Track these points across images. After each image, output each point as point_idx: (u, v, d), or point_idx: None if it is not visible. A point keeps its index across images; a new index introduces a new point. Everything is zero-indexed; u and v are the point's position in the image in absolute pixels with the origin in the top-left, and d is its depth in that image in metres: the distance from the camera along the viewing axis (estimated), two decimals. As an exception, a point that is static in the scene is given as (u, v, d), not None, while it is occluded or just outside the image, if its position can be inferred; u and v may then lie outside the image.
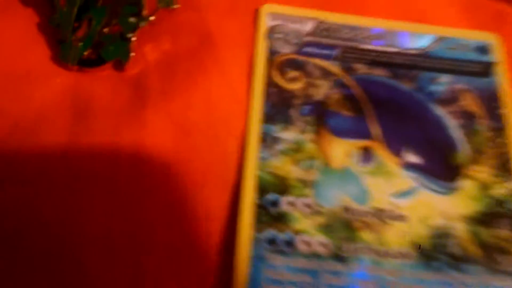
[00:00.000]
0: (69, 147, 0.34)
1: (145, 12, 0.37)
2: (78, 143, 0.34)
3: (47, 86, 0.36)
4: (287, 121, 0.35)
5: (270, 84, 0.36)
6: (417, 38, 0.39)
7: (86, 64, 0.37)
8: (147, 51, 0.37)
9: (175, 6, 0.37)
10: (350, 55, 0.38)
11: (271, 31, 0.38)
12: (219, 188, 0.33)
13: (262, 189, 0.32)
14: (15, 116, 0.35)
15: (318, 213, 0.31)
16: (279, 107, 0.35)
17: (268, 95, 0.36)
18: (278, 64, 0.37)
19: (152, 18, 0.37)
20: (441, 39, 0.39)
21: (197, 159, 0.33)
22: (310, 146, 0.34)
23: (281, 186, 0.32)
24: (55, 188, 0.32)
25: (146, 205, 0.32)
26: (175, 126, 0.35)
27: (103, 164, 0.33)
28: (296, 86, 0.36)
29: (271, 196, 0.32)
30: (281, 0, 0.40)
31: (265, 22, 0.38)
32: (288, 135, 0.34)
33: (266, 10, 0.39)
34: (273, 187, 0.32)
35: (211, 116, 0.35)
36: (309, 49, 0.38)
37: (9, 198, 0.32)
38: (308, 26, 0.38)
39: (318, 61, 0.37)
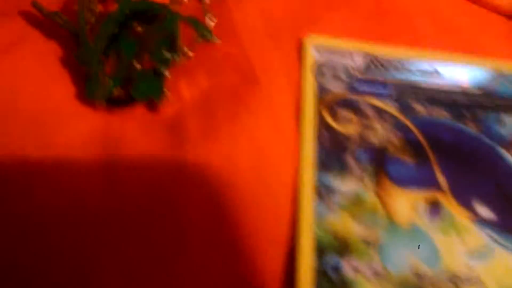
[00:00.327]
0: (98, 195, 0.30)
1: (181, 46, 0.33)
2: (108, 192, 0.30)
3: (72, 127, 0.32)
4: (343, 169, 0.31)
5: (321, 126, 0.32)
6: (476, 73, 0.36)
7: (115, 103, 0.33)
8: (182, 89, 0.34)
9: (215, 41, 0.34)
10: (406, 93, 0.34)
11: (318, 66, 0.34)
12: (271, 247, 0.29)
13: (321, 250, 0.28)
14: (37, 160, 0.31)
15: (386, 279, 0.28)
16: (333, 153, 0.31)
17: (320, 139, 0.32)
18: (329, 103, 0.33)
19: (190, 53, 0.33)
20: (501, 75, 0.36)
21: (244, 213, 0.30)
22: (370, 199, 0.30)
23: (342, 246, 0.28)
24: (80, 239, 0.29)
25: (182, 266, 0.28)
26: (218, 175, 0.31)
27: (135, 218, 0.30)
28: (350, 129, 0.32)
29: (331, 259, 0.28)
30: (324, 29, 0.37)
31: (311, 56, 0.35)
32: (345, 185, 0.30)
33: (311, 42, 0.35)
34: (332, 247, 0.28)
35: (259, 162, 0.31)
36: (361, 87, 0.34)
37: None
38: (358, 61, 0.35)
39: (372, 100, 0.34)
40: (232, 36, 0.35)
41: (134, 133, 0.32)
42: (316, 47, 0.35)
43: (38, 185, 0.30)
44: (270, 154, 0.31)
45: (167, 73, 0.33)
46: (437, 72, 0.35)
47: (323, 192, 0.30)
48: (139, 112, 0.33)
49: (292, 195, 0.30)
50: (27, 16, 0.36)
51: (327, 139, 0.32)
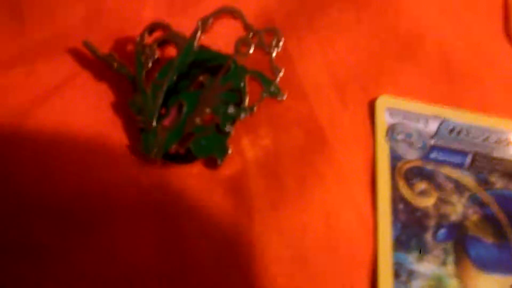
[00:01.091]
0: (149, 259, 0.27)
1: (246, 102, 0.31)
2: (161, 257, 0.28)
3: (124, 181, 0.30)
4: (422, 249, 0.28)
5: (397, 198, 0.30)
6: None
7: (172, 159, 0.30)
8: (245, 147, 0.31)
9: (282, 97, 0.31)
10: (483, 164, 0.32)
11: (392, 130, 0.32)
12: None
13: None
14: (87, 216, 0.28)
15: None
16: (411, 230, 0.29)
17: (396, 213, 0.29)
18: (404, 172, 0.31)
19: (255, 108, 0.31)
20: None
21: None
22: (452, 284, 0.28)
23: None
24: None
25: None
26: (287, 247, 0.28)
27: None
28: (427, 203, 0.30)
29: None
30: (393, 88, 0.34)
31: (384, 119, 0.32)
32: (425, 267, 0.28)
33: (384, 103, 0.33)
34: None
35: (331, 236, 0.29)
36: (436, 155, 0.32)
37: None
38: (432, 126, 0.33)
39: (448, 171, 0.31)
40: (296, 90, 0.33)
41: (192, 192, 0.30)
42: (388, 109, 0.33)
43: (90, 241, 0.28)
44: (343, 228, 0.29)
45: (231, 130, 0.30)
46: (510, 141, 0.33)
47: (402, 274, 0.28)
48: (197, 169, 0.30)
49: (368, 276, 0.28)
50: (77, 55, 0.33)
51: (404, 214, 0.29)
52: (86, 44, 0.32)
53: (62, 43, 0.33)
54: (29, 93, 0.31)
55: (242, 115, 0.31)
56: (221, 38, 0.34)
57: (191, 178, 0.30)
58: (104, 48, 0.33)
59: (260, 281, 0.27)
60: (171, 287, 0.27)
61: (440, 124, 0.33)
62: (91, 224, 0.28)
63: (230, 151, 0.30)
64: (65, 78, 0.32)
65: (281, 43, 0.31)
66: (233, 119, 0.31)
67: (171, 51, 0.33)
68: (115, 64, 0.32)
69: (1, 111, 0.30)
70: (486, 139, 0.33)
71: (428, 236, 0.29)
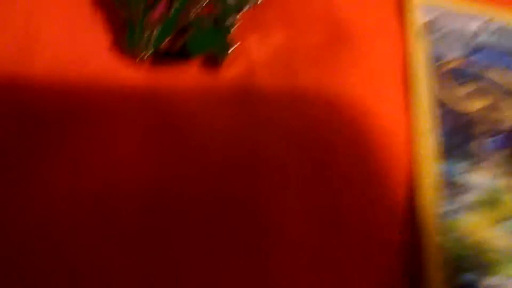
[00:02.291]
0: (139, 170, 0.22)
1: (251, -10, 0.26)
2: (147, 174, 0.22)
3: (106, 81, 0.24)
4: (471, 158, 0.23)
5: (438, 103, 0.25)
6: None
7: (163, 58, 0.25)
8: (251, 44, 0.26)
9: (296, -17, 0.26)
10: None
11: (428, 28, 0.27)
12: (384, 259, 0.21)
13: (452, 265, 0.20)
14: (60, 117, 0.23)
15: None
16: (456, 138, 0.24)
17: (438, 119, 0.24)
18: (445, 74, 0.25)
19: (260, -2, 0.26)
20: None
21: (347, 218, 0.21)
22: (509, 199, 0.22)
23: (479, 261, 0.21)
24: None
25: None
26: (301, 160, 0.23)
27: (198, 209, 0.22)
28: (474, 107, 0.25)
29: (467, 278, 0.20)
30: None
31: (418, 15, 0.27)
32: (477, 179, 0.23)
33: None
34: (467, 262, 0.21)
35: (360, 145, 0.23)
36: (482, 55, 0.26)
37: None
38: (473, 25, 0.27)
39: (498, 73, 0.26)
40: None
41: (187, 98, 0.24)
42: (422, 6, 0.27)
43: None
44: (373, 135, 0.23)
45: (232, 22, 0.25)
46: None
47: (450, 188, 0.22)
48: (193, 71, 0.25)
49: (408, 188, 0.22)
50: None
51: (448, 120, 0.24)
52: None
53: None
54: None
55: (246, 6, 0.25)
56: None
57: (186, 79, 0.25)
58: None
59: (271, 196, 0.22)
60: (158, 204, 0.22)
61: (482, 24, 0.27)
62: (65, 127, 0.23)
63: (232, 48, 0.25)
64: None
65: None
66: (235, 11, 0.25)
67: None
68: (94, -51, 0.26)
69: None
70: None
71: (477, 145, 0.24)
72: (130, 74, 0.24)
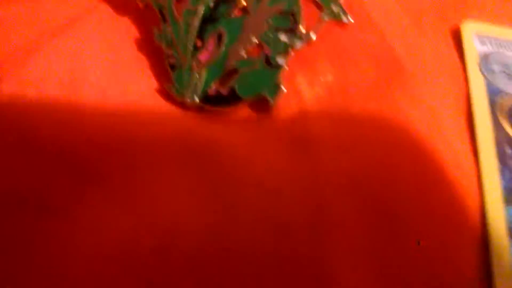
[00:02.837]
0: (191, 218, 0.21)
1: (302, 27, 0.25)
2: (206, 215, 0.21)
3: (153, 131, 0.23)
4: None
5: (503, 141, 0.23)
6: None
7: (212, 101, 0.24)
8: (303, 84, 0.25)
9: (346, 19, 0.25)
10: None
11: (486, 61, 0.26)
12: None
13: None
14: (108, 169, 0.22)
15: None
16: (525, 179, 0.22)
17: (504, 160, 0.23)
18: (508, 109, 0.24)
19: (313, 35, 0.25)
20: None
21: (416, 276, 0.20)
22: None
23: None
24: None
25: None
26: (366, 204, 0.22)
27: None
28: (542, 146, 0.23)
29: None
30: (478, 14, 0.28)
31: (474, 47, 0.26)
32: (550, 225, 0.21)
33: (471, 29, 0.26)
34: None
35: (423, 191, 0.22)
36: (545, 89, 0.25)
37: None
38: (535, 55, 0.26)
39: None
40: (361, 17, 0.27)
41: (237, 141, 0.23)
42: (478, 36, 0.26)
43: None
44: (437, 177, 0.22)
45: (283, 62, 0.24)
46: None
47: (521, 234, 0.21)
48: (244, 114, 0.24)
49: (476, 237, 0.21)
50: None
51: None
52: (103, -30, 0.27)
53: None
54: (35, 28, 0.26)
55: (298, 44, 0.24)
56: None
57: (237, 124, 0.24)
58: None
59: (336, 255, 0.20)
60: (211, 262, 0.21)
61: (545, 53, 0.26)
62: (112, 174, 0.22)
63: (283, 89, 0.24)
64: (78, 11, 0.26)
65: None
66: (286, 49, 0.24)
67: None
68: (138, -10, 0.26)
69: (1, 48, 0.25)
70: None
71: (549, 187, 0.22)
72: (178, 119, 0.24)
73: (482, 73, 0.25)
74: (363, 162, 0.22)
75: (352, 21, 0.25)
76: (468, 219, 0.21)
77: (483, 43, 0.26)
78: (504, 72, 0.25)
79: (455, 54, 0.26)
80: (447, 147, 0.23)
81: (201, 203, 0.21)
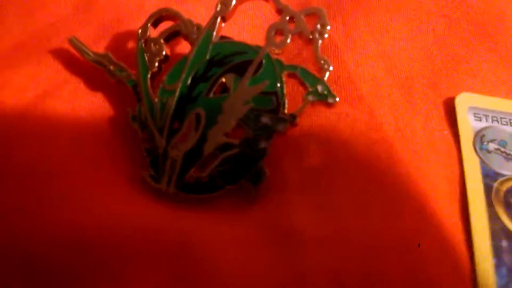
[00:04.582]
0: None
1: (286, 109, 0.23)
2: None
3: (124, 221, 0.22)
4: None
5: (499, 232, 0.22)
6: None
7: (191, 189, 0.23)
8: (287, 170, 0.23)
9: (333, 100, 0.23)
10: None
11: (481, 138, 0.24)
12: None
13: None
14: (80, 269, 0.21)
15: None
16: (523, 277, 0.21)
17: (499, 254, 0.21)
18: (504, 195, 0.23)
19: (297, 116, 0.23)
20: None
21: None
22: None
23: None
24: None
25: None
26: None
27: None
28: (541, 237, 0.22)
29: None
30: (473, 85, 0.26)
31: (469, 123, 0.24)
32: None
33: (465, 102, 0.25)
34: None
35: (414, 280, 0.21)
36: (542, 169, 0.24)
37: None
38: (532, 129, 0.25)
39: None
40: (348, 92, 0.25)
41: (218, 235, 0.22)
42: (473, 110, 0.25)
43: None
44: (428, 275, 0.21)
45: (266, 146, 0.23)
46: None
47: None
48: (226, 204, 0.23)
49: None
50: (64, 57, 0.26)
51: (510, 253, 0.21)
52: (73, 42, 0.25)
53: (45, 42, 0.26)
54: (4, 106, 0.24)
55: (281, 127, 0.23)
56: (248, 26, 0.27)
57: (216, 214, 0.22)
58: (99, 46, 0.26)
59: None
60: None
61: (543, 127, 0.25)
62: (81, 281, 0.21)
63: (267, 175, 0.23)
64: (48, 86, 0.25)
65: (328, 28, 0.24)
66: (269, 133, 0.23)
67: (184, 47, 0.25)
68: (111, 67, 0.24)
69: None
70: None
71: (546, 286, 0.21)
72: (154, 211, 0.22)
73: (477, 154, 0.24)
74: (348, 260, 0.21)
75: (337, 100, 0.23)
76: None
77: (478, 117, 0.25)
78: (500, 151, 0.24)
79: (448, 132, 0.24)
80: (440, 244, 0.21)
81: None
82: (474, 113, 0.25)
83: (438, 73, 0.26)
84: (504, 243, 0.22)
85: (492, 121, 0.25)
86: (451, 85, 0.26)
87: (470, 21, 0.28)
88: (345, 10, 0.28)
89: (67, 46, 0.25)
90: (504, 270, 0.21)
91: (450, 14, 0.28)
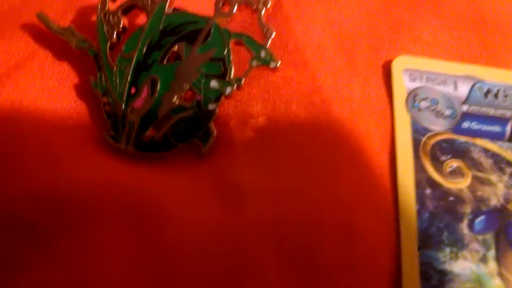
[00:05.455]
0: (128, 272, 0.23)
1: (232, 73, 0.25)
2: (143, 267, 0.23)
3: (88, 177, 0.24)
4: (456, 244, 0.23)
5: (423, 181, 0.24)
6: None
7: (147, 148, 0.25)
8: (233, 129, 0.26)
9: (274, 65, 0.25)
10: (528, 132, 0.26)
11: (413, 97, 0.26)
12: None
13: None
14: (45, 222, 0.24)
15: None
16: (441, 221, 0.23)
17: (422, 200, 0.24)
18: (431, 149, 0.25)
19: (242, 80, 0.25)
20: None
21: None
22: (495, 285, 0.22)
23: None
24: None
25: None
26: (288, 250, 0.23)
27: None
28: (461, 184, 0.24)
29: None
30: (411, 47, 0.28)
31: (403, 84, 0.27)
32: (461, 266, 0.22)
33: (402, 65, 0.27)
34: None
35: (344, 234, 0.23)
36: (469, 124, 0.26)
37: None
38: (463, 89, 0.27)
39: (485, 143, 0.25)
40: (295, 56, 0.27)
41: (171, 187, 0.24)
42: (408, 71, 0.27)
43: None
44: (357, 222, 0.23)
45: (215, 108, 0.25)
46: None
47: (432, 277, 0.22)
48: (179, 160, 0.25)
49: (392, 281, 0.22)
50: (33, 30, 0.28)
51: (432, 200, 0.24)
52: (40, 17, 0.27)
53: (15, 17, 0.28)
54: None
55: (228, 90, 0.25)
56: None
57: (171, 170, 0.25)
58: (65, 19, 0.28)
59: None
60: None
61: (473, 86, 0.27)
62: (49, 232, 0.23)
63: (215, 134, 0.25)
64: (19, 59, 0.27)
65: (271, -3, 0.26)
66: (217, 95, 0.25)
67: (141, 18, 0.27)
68: (74, 40, 0.27)
69: None
70: (531, 100, 0.27)
71: (464, 227, 0.23)
72: (115, 168, 0.25)
73: (408, 111, 0.26)
74: (286, 211, 0.23)
75: (279, 64, 0.25)
76: (385, 263, 0.23)
77: (413, 78, 0.27)
78: (430, 108, 0.26)
79: (384, 92, 0.26)
80: (369, 193, 0.24)
81: (130, 253, 0.23)
82: (410, 74, 0.27)
83: (381, 38, 0.28)
84: (428, 191, 0.24)
85: (426, 81, 0.27)
86: (392, 49, 0.28)
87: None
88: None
89: (36, 21, 0.28)
90: (426, 215, 0.24)
91: (398, -19, 0.30)
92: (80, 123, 0.26)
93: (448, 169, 0.25)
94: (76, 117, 0.26)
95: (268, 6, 0.25)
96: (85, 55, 0.26)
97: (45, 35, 0.27)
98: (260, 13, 0.26)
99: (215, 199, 0.24)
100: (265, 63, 0.25)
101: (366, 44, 0.28)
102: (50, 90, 0.26)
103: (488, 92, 0.27)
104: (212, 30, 0.26)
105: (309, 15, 0.29)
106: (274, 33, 0.25)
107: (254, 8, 0.26)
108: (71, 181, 0.24)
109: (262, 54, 0.25)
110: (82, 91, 0.26)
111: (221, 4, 0.26)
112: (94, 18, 0.28)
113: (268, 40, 0.25)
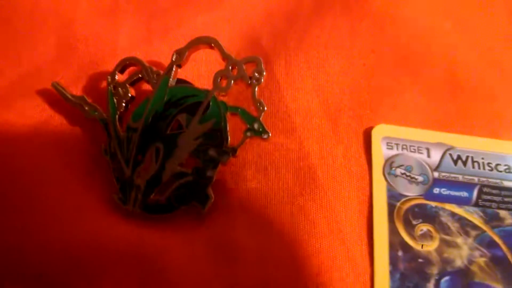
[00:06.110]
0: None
1: (229, 143, 0.28)
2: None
3: (100, 236, 0.28)
4: (423, 303, 0.26)
5: (396, 244, 0.27)
6: None
7: (152, 210, 0.28)
8: (229, 192, 0.29)
9: (267, 136, 0.28)
10: (491, 198, 0.29)
11: (390, 164, 0.29)
12: None
13: None
14: (60, 279, 0.27)
15: None
16: (411, 281, 0.27)
17: (394, 262, 0.27)
18: (404, 213, 0.28)
19: (238, 149, 0.28)
20: None
21: None
22: None
23: None
24: None
25: None
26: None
27: None
28: (430, 247, 0.27)
29: None
30: (392, 115, 0.31)
31: (381, 151, 0.30)
32: (428, 324, 0.26)
33: (380, 133, 0.30)
34: None
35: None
36: (440, 190, 0.29)
37: None
38: (435, 155, 0.30)
39: (453, 208, 0.28)
40: (285, 123, 0.30)
41: (174, 245, 0.28)
42: (386, 139, 0.30)
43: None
44: (335, 280, 0.27)
45: (213, 174, 0.28)
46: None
47: (402, 334, 0.25)
48: (179, 222, 0.28)
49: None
50: (49, 97, 0.31)
51: (404, 262, 0.27)
52: (55, 86, 0.30)
53: (32, 83, 0.31)
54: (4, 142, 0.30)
55: (224, 158, 0.28)
56: (201, 70, 0.32)
57: (174, 230, 0.28)
58: (78, 86, 0.31)
59: None
60: None
61: (444, 153, 0.30)
62: (68, 285, 0.26)
63: (212, 198, 0.28)
64: (35, 123, 0.30)
65: (263, 74, 0.29)
66: (214, 163, 0.28)
67: (147, 86, 0.30)
68: (87, 108, 0.30)
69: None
70: (496, 167, 0.30)
71: (431, 287, 0.26)
72: (123, 229, 0.28)
73: (385, 178, 0.29)
74: (273, 272, 0.26)
75: (270, 135, 0.28)
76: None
77: (390, 146, 0.30)
78: (406, 175, 0.29)
79: (364, 159, 0.29)
80: (347, 252, 0.27)
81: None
82: (387, 142, 0.30)
83: (364, 105, 0.31)
84: (400, 253, 0.27)
85: (402, 149, 0.30)
86: (373, 117, 0.31)
87: (397, 54, 0.33)
88: (288, 47, 0.33)
89: (51, 87, 0.30)
90: (398, 275, 0.27)
91: (379, 49, 0.33)
92: (92, 186, 0.29)
93: (419, 233, 0.28)
94: (88, 180, 0.29)
95: (261, 82, 0.28)
96: (96, 123, 0.29)
97: (59, 101, 0.30)
98: (254, 89, 0.29)
99: (211, 256, 0.27)
100: (258, 134, 0.28)
101: (350, 110, 0.31)
102: (63, 153, 0.29)
103: (458, 158, 0.30)
104: (210, 103, 0.29)
105: (298, 81, 0.32)
106: (266, 108, 0.28)
107: (249, 83, 0.29)
108: (85, 240, 0.27)
109: (256, 126, 0.28)
110: (93, 156, 0.29)
111: (219, 78, 0.29)
112: (104, 84, 0.31)
113: (261, 114, 0.29)
